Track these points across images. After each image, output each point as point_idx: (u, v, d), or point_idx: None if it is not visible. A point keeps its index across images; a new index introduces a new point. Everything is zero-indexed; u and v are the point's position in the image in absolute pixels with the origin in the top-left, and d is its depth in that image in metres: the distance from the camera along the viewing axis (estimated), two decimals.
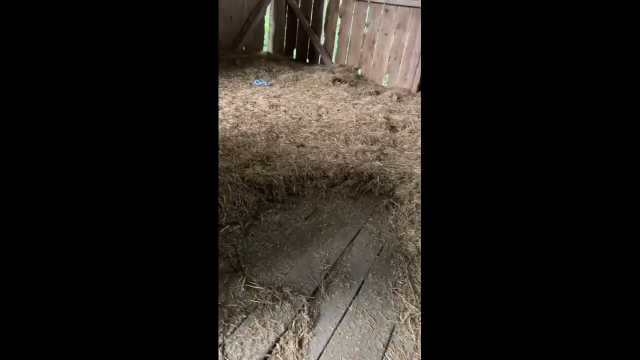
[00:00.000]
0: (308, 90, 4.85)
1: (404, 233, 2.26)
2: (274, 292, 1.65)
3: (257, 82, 5.01)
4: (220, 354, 1.34)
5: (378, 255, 2.08)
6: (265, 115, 3.71)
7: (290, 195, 2.47)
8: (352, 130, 3.45)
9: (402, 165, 2.86)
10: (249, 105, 3.97)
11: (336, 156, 2.94)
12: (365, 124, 3.71)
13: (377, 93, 5.11)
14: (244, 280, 1.71)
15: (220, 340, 1.39)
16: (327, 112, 4.01)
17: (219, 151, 2.71)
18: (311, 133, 3.34)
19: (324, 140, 3.25)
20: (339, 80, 5.36)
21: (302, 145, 3.10)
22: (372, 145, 3.23)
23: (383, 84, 5.80)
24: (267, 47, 6.54)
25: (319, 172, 2.68)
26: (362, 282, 1.85)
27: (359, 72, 6.03)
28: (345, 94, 4.81)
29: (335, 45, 6.22)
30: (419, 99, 4.97)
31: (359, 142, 3.25)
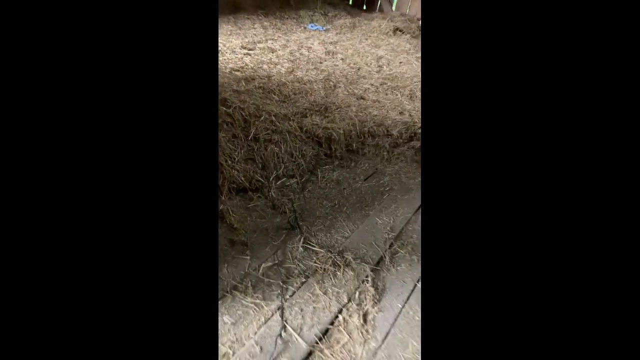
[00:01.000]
0: (367, 39, 4.40)
1: None
2: (335, 257, 1.48)
3: (311, 26, 4.60)
4: (279, 318, 1.21)
5: None
6: (321, 62, 3.38)
7: (349, 152, 2.24)
8: (417, 85, 3.07)
9: None
10: (304, 50, 3.64)
11: (401, 113, 2.62)
12: None
13: None
14: (302, 240, 1.55)
15: (278, 303, 1.26)
16: (388, 64, 3.61)
17: (275, 96, 2.48)
18: (372, 85, 3.00)
19: (387, 94, 2.91)
20: (400, 31, 4.82)
21: (363, 98, 2.79)
22: None
23: None
24: None
25: (381, 129, 2.40)
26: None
27: None
28: (407, 45, 4.32)
29: None
30: None
31: None
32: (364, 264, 1.49)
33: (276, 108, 2.20)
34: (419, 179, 2.17)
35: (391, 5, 5.69)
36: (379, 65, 3.51)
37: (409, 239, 1.71)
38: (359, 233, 1.67)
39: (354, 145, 2.25)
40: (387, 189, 2.05)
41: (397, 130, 2.39)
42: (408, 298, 1.41)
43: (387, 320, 1.30)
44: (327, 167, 2.10)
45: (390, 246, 1.63)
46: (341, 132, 2.22)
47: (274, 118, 2.03)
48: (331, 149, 2.17)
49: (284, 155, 1.92)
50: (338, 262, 1.46)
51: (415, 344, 1.24)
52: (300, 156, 2.00)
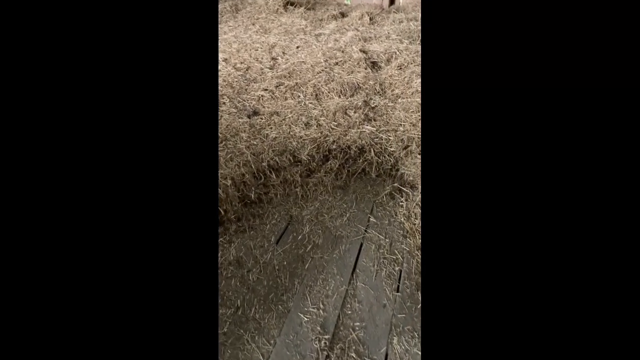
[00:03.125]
0: (253, 24, 3.66)
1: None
2: None
3: None
4: None
5: (397, 290, 1.35)
6: None
7: (247, 207, 1.63)
8: (322, 76, 2.48)
9: (401, 124, 2.01)
10: None
11: (307, 125, 2.03)
12: (337, 63, 2.72)
13: (343, 15, 3.98)
14: None
15: None
16: (284, 53, 2.95)
17: None
18: (266, 90, 2.36)
19: (286, 98, 2.29)
20: (291, 4, 4.13)
21: (256, 113, 2.15)
22: (353, 96, 2.32)
23: (346, 2, 4.59)
24: None
25: (286, 158, 1.81)
26: (386, 356, 1.14)
27: None
28: (302, 22, 3.66)
29: None
30: (396, 16, 3.90)
31: (335, 94, 2.32)
32: None
33: None
34: (348, 214, 1.65)
35: None
36: (272, 59, 2.85)
37: (349, 333, 1.19)
38: (277, 354, 1.11)
39: (252, 194, 1.64)
40: (309, 247, 1.49)
41: (306, 154, 1.82)
42: None
43: None
44: (219, 242, 1.48)
45: None
46: (229, 182, 1.59)
47: None
48: (220, 211, 1.54)
49: None
50: None
51: None
52: None
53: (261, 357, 1.11)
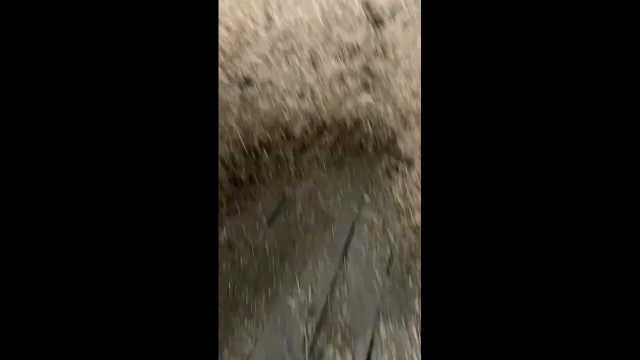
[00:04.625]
0: None
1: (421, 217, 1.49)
2: None
3: None
4: None
5: (388, 273, 1.35)
6: None
7: (238, 187, 1.60)
8: (319, 38, 2.30)
9: (401, 94, 1.88)
10: None
11: (301, 95, 1.93)
12: (336, 21, 2.51)
13: None
14: None
15: None
16: (280, 9, 2.73)
17: None
18: (260, 56, 2.21)
19: (280, 65, 2.15)
20: None
21: (248, 82, 2.04)
22: (351, 60, 2.15)
23: None
24: None
25: (277, 133, 1.74)
26: (371, 341, 1.17)
27: None
28: None
29: None
30: None
31: (332, 57, 2.16)
32: None
33: None
34: (342, 192, 1.62)
35: None
36: (267, 16, 2.64)
37: (337, 318, 1.22)
38: (266, 339, 1.15)
39: (242, 174, 1.60)
40: (301, 228, 1.49)
41: (299, 128, 1.74)
42: None
43: None
44: None
45: (312, 347, 1.14)
46: (218, 162, 1.55)
47: None
48: None
49: None
50: None
51: None
52: None
53: (249, 341, 1.15)
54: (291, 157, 1.68)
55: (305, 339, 1.15)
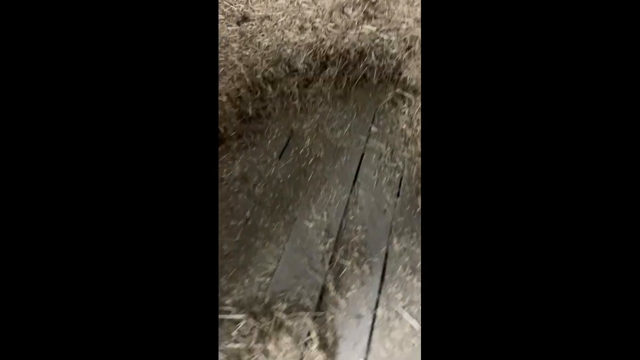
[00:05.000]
0: None
1: None
2: (261, 322, 1.07)
3: None
4: None
5: (398, 195, 1.40)
6: None
7: (246, 123, 1.60)
8: None
9: (404, 22, 1.82)
10: None
11: (302, 28, 1.86)
12: None
13: None
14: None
15: None
16: None
17: None
18: None
19: None
20: None
21: (246, 19, 1.96)
22: None
23: None
24: None
25: (281, 68, 1.70)
26: (386, 254, 1.25)
27: None
28: None
29: None
30: None
31: None
32: (301, 313, 1.09)
33: None
34: (349, 124, 1.63)
35: None
36: None
37: (353, 236, 1.29)
38: (287, 258, 1.23)
39: (250, 109, 1.60)
40: (311, 160, 1.52)
41: (301, 62, 1.71)
42: (369, 341, 1.07)
43: None
44: (223, 159, 1.50)
45: (331, 261, 1.22)
46: (224, 99, 1.54)
47: None
48: (220, 130, 1.53)
49: None
50: (266, 329, 1.06)
51: None
52: None
53: (272, 260, 1.23)
54: (296, 91, 1.67)
55: (325, 256, 1.23)
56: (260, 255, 1.24)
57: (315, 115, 1.67)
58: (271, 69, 1.68)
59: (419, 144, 1.53)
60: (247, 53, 1.73)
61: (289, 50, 1.75)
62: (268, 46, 1.76)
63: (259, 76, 1.65)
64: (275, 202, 1.39)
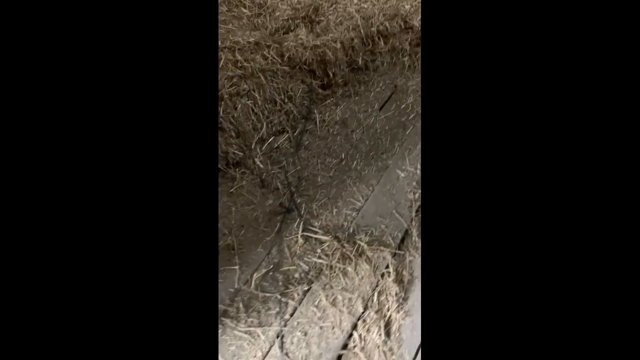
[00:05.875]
0: None
1: None
2: (344, 246, 1.15)
3: None
4: (278, 350, 0.99)
5: None
6: None
7: (354, 72, 1.66)
8: None
9: None
10: None
11: None
12: None
13: None
14: (301, 226, 1.22)
15: (277, 328, 1.03)
16: None
17: (245, 10, 1.83)
18: None
19: None
20: None
21: None
22: None
23: None
24: None
25: (397, 23, 1.70)
26: None
27: None
28: None
29: None
30: None
31: None
32: (382, 248, 1.15)
33: (242, 34, 1.61)
34: None
35: None
36: None
37: None
38: (375, 199, 1.28)
39: (360, 60, 1.64)
40: (412, 116, 1.52)
41: (419, 20, 1.68)
42: None
43: (418, 328, 1.01)
44: (327, 103, 1.59)
45: (417, 211, 1.23)
46: (338, 46, 1.60)
47: (238, 56, 1.48)
48: (328, 75, 1.61)
49: (262, 106, 1.45)
50: (348, 253, 1.14)
51: None
52: (286, 99, 1.50)
53: (361, 198, 1.29)
54: (407, 48, 1.66)
55: (413, 203, 1.25)
56: (350, 192, 1.31)
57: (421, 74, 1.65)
58: (386, 23, 1.68)
59: None
60: (366, 6, 1.76)
61: (407, 7, 1.73)
62: (387, 0, 1.76)
63: (373, 29, 1.67)
64: (371, 149, 1.43)
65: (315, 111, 1.54)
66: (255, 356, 0.99)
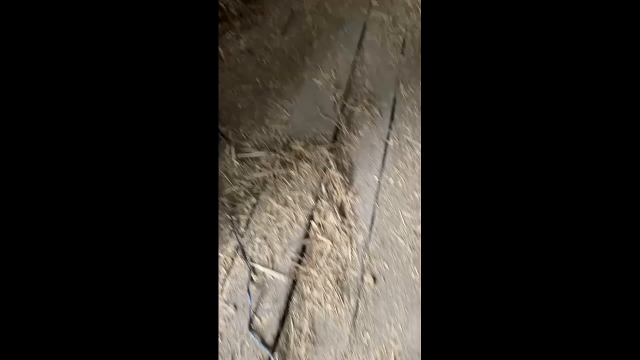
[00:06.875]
0: None
1: None
2: (282, 155, 1.14)
3: None
4: (241, 260, 0.96)
5: (402, 53, 1.44)
6: None
7: (246, 2, 1.61)
8: None
9: None
10: None
11: None
12: None
13: None
14: (232, 151, 1.17)
15: (235, 243, 0.99)
16: None
17: None
18: None
19: None
20: None
21: None
22: None
23: None
24: None
25: None
26: (394, 99, 1.30)
27: None
28: None
29: None
30: None
31: None
32: (318, 146, 1.16)
33: None
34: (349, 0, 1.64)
35: None
36: None
37: (361, 89, 1.34)
38: (300, 109, 1.28)
39: None
40: (314, 33, 1.54)
41: None
42: (383, 164, 1.15)
43: (367, 202, 1.07)
44: (228, 35, 1.52)
45: (343, 109, 1.27)
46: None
47: None
48: (223, 8, 1.54)
49: None
50: (287, 159, 1.13)
51: (407, 215, 1.04)
52: None
53: (285, 112, 1.28)
54: None
55: (336, 103, 1.28)
56: (274, 109, 1.29)
57: None
58: None
59: (420, 11, 1.55)
60: None
61: None
62: None
63: None
64: (283, 69, 1.42)
65: (219, 47, 1.47)
66: (220, 273, 0.95)
